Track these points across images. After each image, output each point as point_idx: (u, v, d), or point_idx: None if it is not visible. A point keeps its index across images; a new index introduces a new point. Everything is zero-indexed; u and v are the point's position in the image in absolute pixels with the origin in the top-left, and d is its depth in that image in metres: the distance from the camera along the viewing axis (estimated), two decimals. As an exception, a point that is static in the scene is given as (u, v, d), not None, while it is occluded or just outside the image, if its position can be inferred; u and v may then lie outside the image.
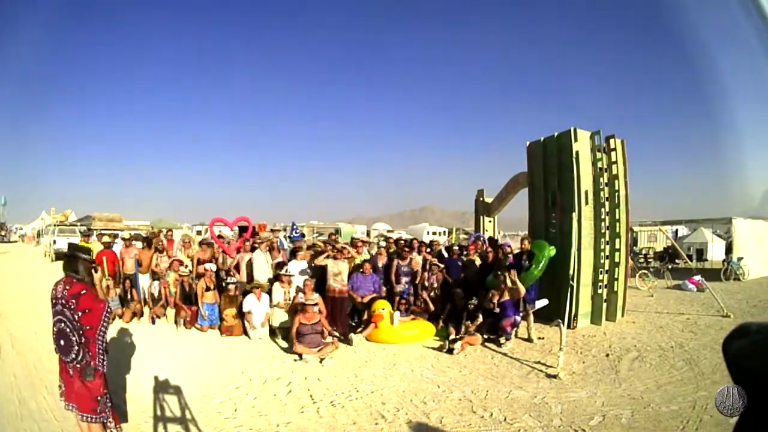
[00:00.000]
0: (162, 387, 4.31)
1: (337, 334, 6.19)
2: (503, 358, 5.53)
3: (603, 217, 7.30)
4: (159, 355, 5.45)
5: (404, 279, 6.97)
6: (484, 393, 4.33)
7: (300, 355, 5.40)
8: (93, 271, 3.03)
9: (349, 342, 6.01)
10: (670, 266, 13.84)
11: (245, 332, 6.31)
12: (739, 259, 12.91)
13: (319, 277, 6.64)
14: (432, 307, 6.77)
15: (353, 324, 6.87)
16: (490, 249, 7.41)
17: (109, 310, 2.83)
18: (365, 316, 6.61)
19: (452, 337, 5.98)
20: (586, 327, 6.97)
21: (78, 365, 2.76)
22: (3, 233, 31.11)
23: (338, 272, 6.52)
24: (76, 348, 2.72)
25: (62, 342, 2.77)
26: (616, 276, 7.31)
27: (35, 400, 3.98)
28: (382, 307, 6.38)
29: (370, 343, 6.19)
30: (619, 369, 5.01)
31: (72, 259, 2.89)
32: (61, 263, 3.05)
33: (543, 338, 6.30)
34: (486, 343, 6.08)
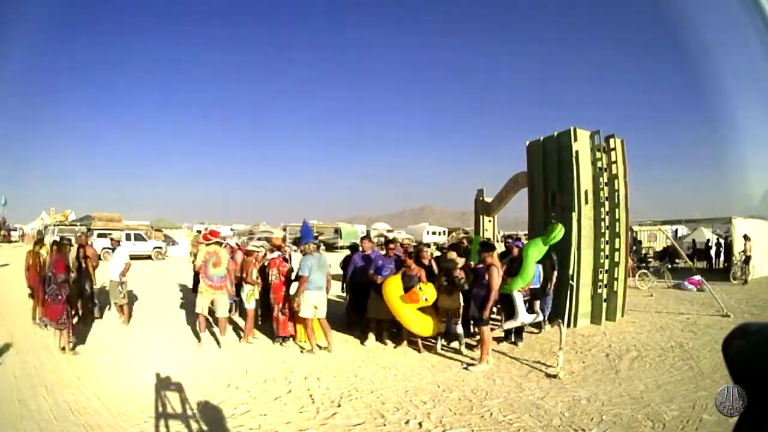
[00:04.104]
0: (163, 386, 4.31)
1: None
2: (503, 358, 5.53)
3: (603, 216, 7.30)
4: (160, 354, 5.46)
5: None
6: (484, 393, 4.34)
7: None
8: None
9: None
10: (669, 266, 13.86)
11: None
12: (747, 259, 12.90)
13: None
14: None
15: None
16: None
17: None
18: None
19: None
20: (585, 327, 6.97)
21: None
22: (3, 233, 31.08)
23: None
24: None
25: None
26: (615, 276, 7.31)
27: (35, 400, 3.98)
28: (419, 286, 5.66)
29: (369, 343, 6.18)
30: (619, 369, 5.02)
31: None
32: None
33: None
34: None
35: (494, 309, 5.33)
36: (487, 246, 5.58)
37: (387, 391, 4.39)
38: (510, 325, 5.96)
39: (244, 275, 6.36)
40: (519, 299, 5.82)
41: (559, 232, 5.92)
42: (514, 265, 6.03)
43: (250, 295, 6.28)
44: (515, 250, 6.42)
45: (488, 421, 3.70)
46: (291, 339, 6.12)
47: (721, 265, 15.73)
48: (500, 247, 7.94)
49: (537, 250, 5.96)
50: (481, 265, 5.48)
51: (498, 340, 6.18)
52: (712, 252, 16.93)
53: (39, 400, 3.99)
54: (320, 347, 5.85)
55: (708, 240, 18.03)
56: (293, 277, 6.20)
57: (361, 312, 6.54)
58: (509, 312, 6.03)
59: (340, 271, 7.56)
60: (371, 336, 6.23)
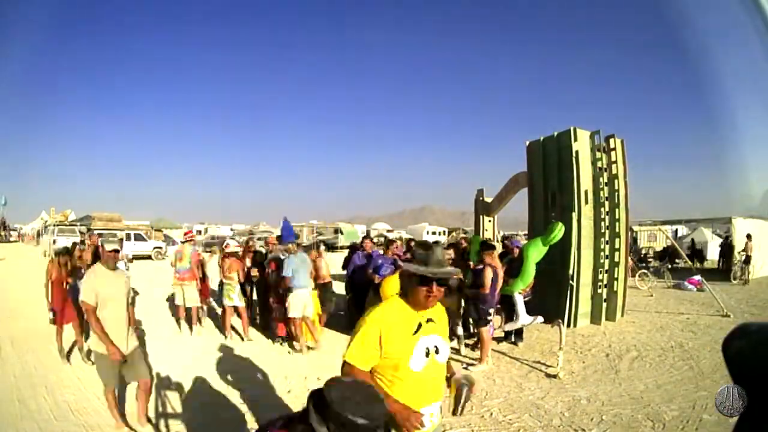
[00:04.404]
0: (163, 386, 4.31)
1: None
2: (503, 358, 5.53)
3: (603, 216, 7.30)
4: (160, 353, 5.46)
5: None
6: (484, 393, 4.33)
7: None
8: None
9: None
10: (669, 266, 13.87)
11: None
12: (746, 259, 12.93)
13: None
14: None
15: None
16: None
17: None
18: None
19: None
20: (585, 327, 6.97)
21: None
22: (3, 233, 31.10)
23: None
24: None
25: None
26: (615, 276, 7.31)
27: (35, 400, 3.98)
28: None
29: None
30: (619, 369, 5.02)
31: None
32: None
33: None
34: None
35: (491, 310, 5.31)
36: (487, 246, 5.58)
37: (387, 391, 4.38)
38: (510, 326, 5.95)
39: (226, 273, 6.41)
40: (519, 301, 5.81)
41: (558, 231, 5.91)
42: (514, 266, 6.02)
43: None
44: (515, 251, 6.41)
45: (488, 421, 3.70)
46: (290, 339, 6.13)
47: (721, 265, 15.76)
48: (499, 247, 7.93)
49: (537, 251, 5.95)
50: (480, 266, 5.47)
51: (498, 340, 6.18)
52: (709, 253, 17.02)
53: (39, 400, 3.99)
54: (309, 348, 5.84)
55: (703, 241, 18.12)
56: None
57: (360, 311, 6.52)
58: (509, 313, 6.03)
59: (341, 271, 7.57)
60: None
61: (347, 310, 7.23)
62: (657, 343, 6.01)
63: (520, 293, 5.85)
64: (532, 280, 6.00)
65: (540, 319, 5.95)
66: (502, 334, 6.26)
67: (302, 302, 5.64)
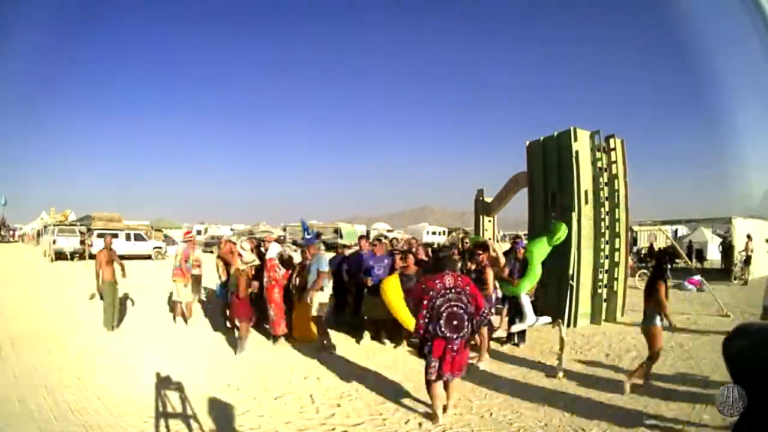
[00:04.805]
0: (163, 386, 4.31)
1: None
2: (504, 358, 5.53)
3: (603, 216, 7.30)
4: (159, 354, 5.46)
5: None
6: (484, 393, 4.34)
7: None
8: None
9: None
10: (670, 266, 13.86)
11: None
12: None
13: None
14: None
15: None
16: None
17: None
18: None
19: None
20: (585, 327, 6.97)
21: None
22: (3, 233, 31.10)
23: None
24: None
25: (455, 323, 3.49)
26: (615, 276, 7.31)
27: (35, 400, 3.98)
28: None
29: (370, 342, 6.19)
30: (619, 369, 5.02)
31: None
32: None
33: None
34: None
35: (492, 310, 5.29)
36: (482, 246, 5.56)
37: (387, 391, 4.39)
38: (517, 328, 5.84)
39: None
40: (526, 301, 5.73)
41: (563, 233, 5.88)
42: (519, 267, 5.95)
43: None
44: (521, 252, 6.34)
45: (488, 421, 3.70)
46: (284, 338, 6.11)
47: (721, 265, 15.76)
48: (501, 247, 7.92)
49: (542, 251, 5.90)
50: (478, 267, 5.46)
51: (501, 341, 6.14)
52: (709, 253, 17.05)
53: (39, 400, 3.99)
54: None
55: (703, 241, 18.14)
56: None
57: (357, 311, 6.54)
58: (515, 315, 5.95)
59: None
60: (367, 335, 6.24)
61: (347, 312, 7.22)
62: (657, 343, 6.00)
63: (527, 294, 5.77)
64: (537, 280, 5.94)
65: (547, 319, 5.85)
66: (504, 335, 6.22)
67: (320, 302, 5.74)
